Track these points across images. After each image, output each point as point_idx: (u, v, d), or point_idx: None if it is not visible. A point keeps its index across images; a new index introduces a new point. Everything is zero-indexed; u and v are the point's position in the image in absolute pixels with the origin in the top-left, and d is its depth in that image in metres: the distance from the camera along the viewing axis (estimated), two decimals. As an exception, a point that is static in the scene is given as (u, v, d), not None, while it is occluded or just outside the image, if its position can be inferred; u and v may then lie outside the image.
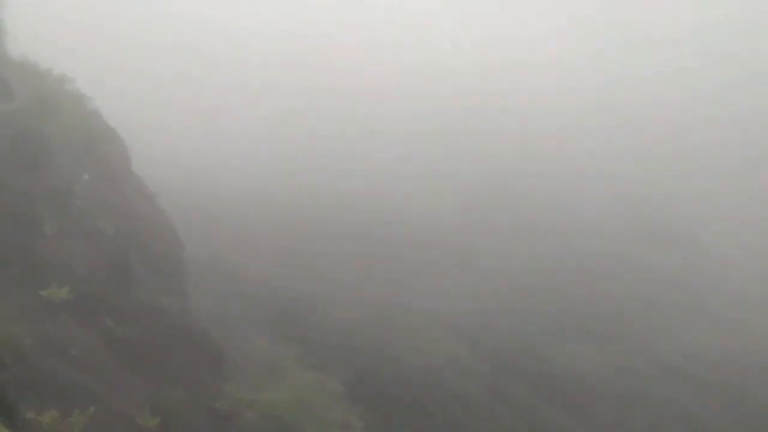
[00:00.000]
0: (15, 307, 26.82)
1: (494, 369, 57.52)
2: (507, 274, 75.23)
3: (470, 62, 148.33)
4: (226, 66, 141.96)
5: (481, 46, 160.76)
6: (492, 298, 69.73)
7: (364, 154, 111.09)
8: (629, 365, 61.86)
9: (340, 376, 47.74)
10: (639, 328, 68.04)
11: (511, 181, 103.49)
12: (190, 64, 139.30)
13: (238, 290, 63.17)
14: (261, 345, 52.33)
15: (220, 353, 42.83)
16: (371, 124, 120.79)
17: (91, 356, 28.91)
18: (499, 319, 65.84)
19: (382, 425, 47.34)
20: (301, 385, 43.87)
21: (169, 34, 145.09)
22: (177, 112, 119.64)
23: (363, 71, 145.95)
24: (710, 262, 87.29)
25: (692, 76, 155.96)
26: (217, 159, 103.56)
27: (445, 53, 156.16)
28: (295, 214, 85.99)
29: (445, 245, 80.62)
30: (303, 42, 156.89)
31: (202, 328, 43.52)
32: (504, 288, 72.27)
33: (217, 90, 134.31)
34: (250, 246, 74.62)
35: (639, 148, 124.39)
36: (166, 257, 46.40)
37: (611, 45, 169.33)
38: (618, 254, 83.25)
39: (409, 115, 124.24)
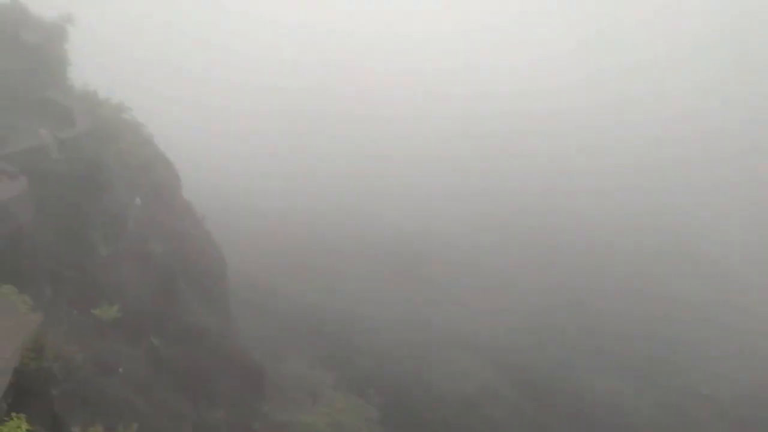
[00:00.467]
0: (68, 323, 28.21)
1: (528, 399, 57.05)
2: (541, 298, 74.69)
3: (489, 88, 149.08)
4: (259, 93, 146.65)
5: (495, 72, 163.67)
6: (527, 325, 69.28)
7: (389, 175, 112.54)
8: (669, 402, 60.25)
9: (376, 400, 48.29)
10: (677, 364, 66.30)
11: (532, 202, 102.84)
12: (229, 93, 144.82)
13: (278, 310, 64.49)
14: (299, 366, 53.23)
15: (260, 374, 43.73)
16: (396, 147, 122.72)
17: (137, 374, 30.06)
18: (533, 348, 65.37)
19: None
20: (337, 409, 44.49)
21: (215, 68, 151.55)
22: (218, 138, 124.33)
23: (389, 96, 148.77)
24: (743, 297, 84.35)
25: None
26: (251, 181, 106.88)
27: (461, 80, 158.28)
28: (328, 234, 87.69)
29: (474, 266, 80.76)
30: (333, 70, 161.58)
31: (243, 349, 44.60)
32: (538, 313, 71.87)
33: (249, 116, 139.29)
34: (288, 266, 76.10)
35: (665, 167, 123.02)
36: (211, 279, 47.75)
37: (613, 68, 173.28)
38: (653, 289, 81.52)
39: (430, 139, 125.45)
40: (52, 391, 17.50)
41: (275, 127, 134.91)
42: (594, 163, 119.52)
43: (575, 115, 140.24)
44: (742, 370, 65.89)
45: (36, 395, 16.24)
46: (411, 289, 74.38)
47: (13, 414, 13.66)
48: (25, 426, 13.56)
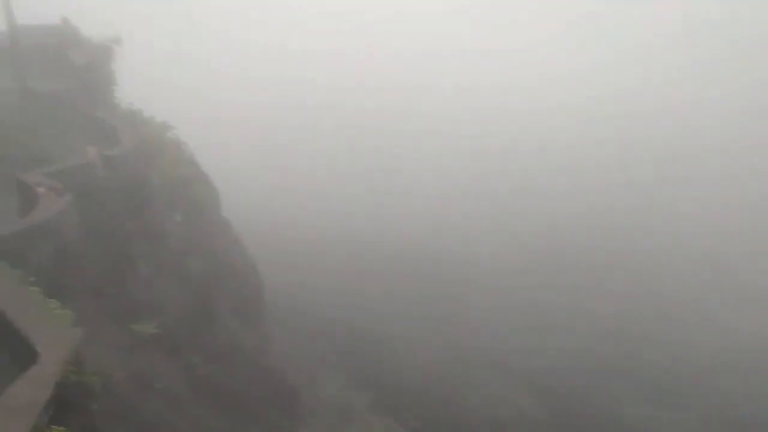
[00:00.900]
0: (108, 339, 28.55)
1: (565, 427, 55.72)
2: (578, 330, 72.93)
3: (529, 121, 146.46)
4: (297, 112, 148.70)
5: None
6: (563, 352, 67.80)
7: (430, 196, 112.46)
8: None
9: (410, 424, 47.64)
10: (720, 394, 63.92)
11: (573, 237, 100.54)
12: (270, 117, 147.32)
13: (312, 330, 64.63)
14: (333, 388, 53.09)
15: (294, 394, 43.70)
16: (437, 171, 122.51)
17: (174, 390, 30.22)
18: (567, 371, 63.87)
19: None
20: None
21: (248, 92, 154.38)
22: (255, 157, 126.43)
23: (431, 116, 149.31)
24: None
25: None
26: (289, 200, 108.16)
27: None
28: (365, 254, 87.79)
29: (514, 293, 79.42)
30: (358, 92, 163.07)
31: (278, 368, 44.64)
32: (574, 342, 70.24)
33: (286, 133, 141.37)
34: (324, 286, 76.39)
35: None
36: (248, 297, 48.12)
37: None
38: (695, 317, 79.15)
39: (475, 172, 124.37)
40: (91, 406, 17.58)
41: (324, 145, 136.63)
42: (639, 200, 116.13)
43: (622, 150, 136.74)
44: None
45: (76, 409, 16.32)
46: (456, 313, 73.65)
47: (54, 427, 13.75)
48: (65, 439, 13.62)
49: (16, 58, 43.24)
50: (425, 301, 75.29)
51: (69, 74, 48.45)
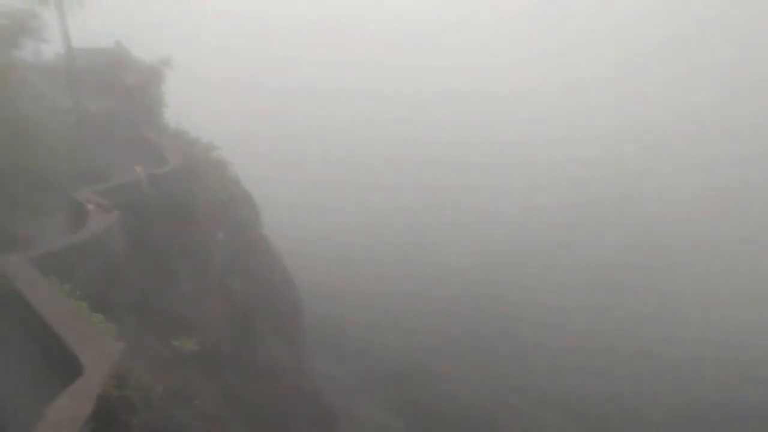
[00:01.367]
0: (149, 354, 29.00)
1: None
2: (629, 363, 70.78)
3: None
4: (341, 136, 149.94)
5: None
6: (609, 383, 66.00)
7: (478, 225, 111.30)
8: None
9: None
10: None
11: (625, 275, 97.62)
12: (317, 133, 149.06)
13: (352, 352, 64.47)
14: (372, 410, 52.72)
15: (332, 415, 43.54)
16: (483, 204, 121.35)
17: (212, 408, 30.42)
18: (619, 411, 61.98)
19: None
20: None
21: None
22: (296, 174, 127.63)
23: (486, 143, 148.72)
24: None
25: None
26: (329, 219, 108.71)
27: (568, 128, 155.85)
28: (408, 281, 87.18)
29: (563, 327, 77.35)
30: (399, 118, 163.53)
31: (317, 390, 44.57)
32: (623, 373, 68.28)
33: (329, 149, 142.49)
34: (364, 308, 76.23)
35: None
36: (288, 316, 48.36)
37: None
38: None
39: (521, 204, 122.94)
40: (132, 420, 17.84)
41: (368, 161, 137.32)
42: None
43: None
44: None
45: (117, 423, 16.59)
46: (499, 344, 72.33)
47: (95, 440, 14.02)
48: (105, 453, 13.88)
49: (72, 80, 44.91)
50: (466, 332, 74.24)
51: (121, 95, 50.09)
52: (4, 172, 31.03)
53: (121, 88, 50.66)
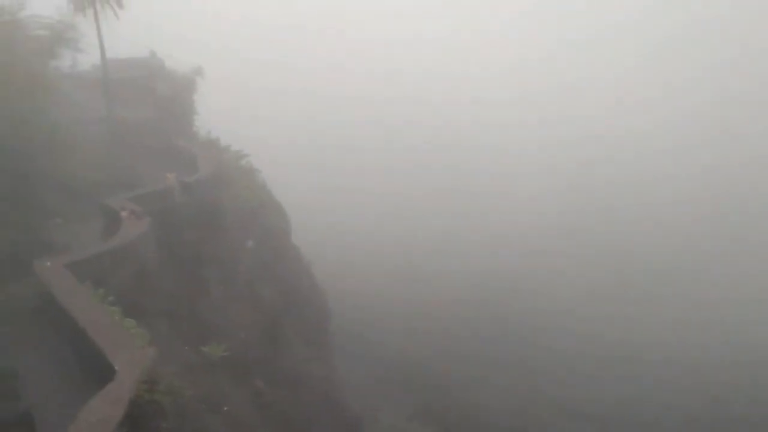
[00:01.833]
0: (180, 359, 29.29)
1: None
2: (659, 373, 69.28)
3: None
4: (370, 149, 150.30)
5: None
6: (641, 397, 64.73)
7: (499, 233, 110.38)
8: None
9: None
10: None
11: (646, 281, 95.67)
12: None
13: (379, 360, 64.28)
14: (397, 419, 52.54)
15: (358, 423, 43.50)
16: (516, 211, 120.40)
17: (240, 414, 30.59)
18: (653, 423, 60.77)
19: None
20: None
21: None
22: (323, 183, 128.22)
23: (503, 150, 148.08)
24: None
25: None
26: (357, 226, 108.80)
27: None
28: (434, 288, 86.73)
29: (591, 337, 75.98)
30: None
31: (343, 397, 44.60)
32: (660, 385, 66.90)
33: (357, 155, 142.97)
34: (392, 318, 75.97)
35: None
36: (316, 325, 48.52)
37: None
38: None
39: (541, 218, 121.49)
40: (162, 425, 18.02)
41: (398, 169, 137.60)
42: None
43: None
44: None
45: (147, 427, 16.76)
46: (524, 354, 71.39)
47: (126, 444, 14.20)
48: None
49: (106, 89, 45.88)
50: (490, 341, 73.49)
51: (154, 104, 51.00)
52: (38, 180, 31.75)
53: (154, 98, 51.59)
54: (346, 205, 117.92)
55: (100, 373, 17.35)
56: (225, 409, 28.62)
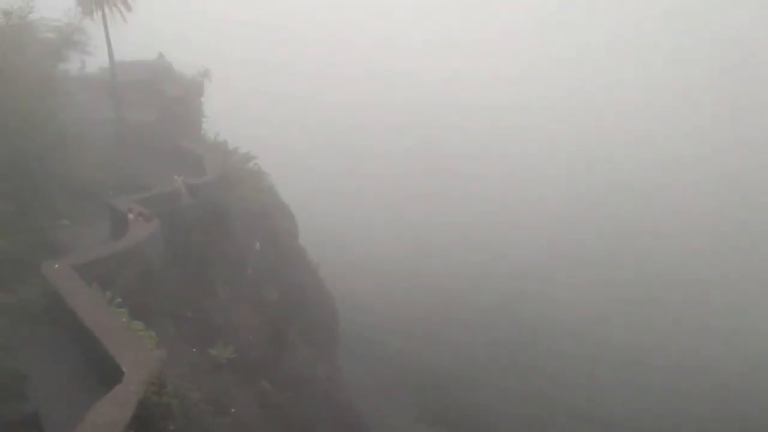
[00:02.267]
0: (187, 361, 29.31)
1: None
2: (666, 377, 68.72)
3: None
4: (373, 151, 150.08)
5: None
6: (643, 397, 64.39)
7: (507, 235, 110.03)
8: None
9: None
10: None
11: (660, 288, 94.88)
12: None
13: (386, 363, 64.16)
14: (403, 422, 52.42)
15: (363, 425, 43.40)
16: (521, 217, 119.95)
17: (247, 415, 30.57)
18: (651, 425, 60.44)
19: None
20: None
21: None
22: (331, 186, 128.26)
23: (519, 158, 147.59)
24: None
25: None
26: (365, 233, 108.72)
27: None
28: (438, 291, 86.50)
29: (597, 341, 75.53)
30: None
31: (349, 400, 44.52)
32: (658, 389, 66.54)
33: (364, 157, 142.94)
34: (399, 319, 75.89)
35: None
36: (322, 326, 48.45)
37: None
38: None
39: (551, 220, 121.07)
40: (169, 427, 17.99)
41: (405, 171, 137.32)
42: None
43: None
44: None
45: (155, 429, 16.74)
46: (532, 358, 71.16)
47: (134, 445, 14.18)
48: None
49: (114, 92, 46.04)
50: (498, 344, 73.24)
51: (162, 106, 51.12)
52: (46, 181, 31.85)
53: (161, 100, 51.72)
54: (351, 208, 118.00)
55: (107, 374, 17.35)
56: (232, 410, 28.61)
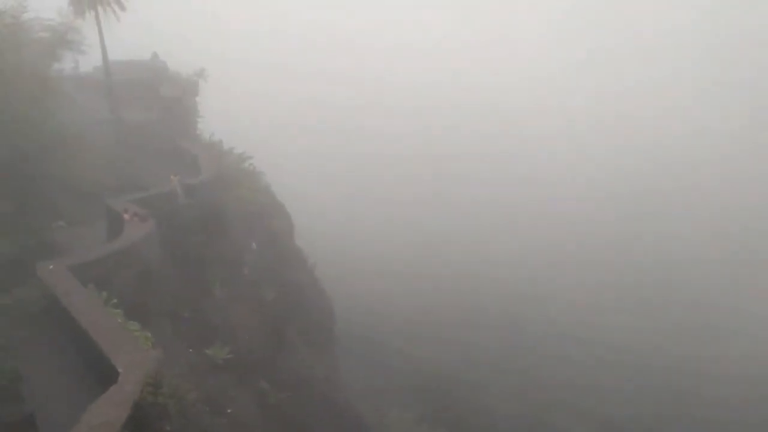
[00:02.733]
0: (183, 361, 29.22)
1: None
2: (668, 380, 68.68)
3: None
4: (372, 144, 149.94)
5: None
6: (646, 401, 64.42)
7: (507, 239, 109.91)
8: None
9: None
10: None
11: (665, 292, 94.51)
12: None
13: (386, 363, 64.06)
14: (403, 422, 52.31)
15: (362, 425, 43.32)
16: (516, 218, 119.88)
17: (244, 416, 30.50)
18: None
19: None
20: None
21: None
22: (329, 185, 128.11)
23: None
24: None
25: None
26: (359, 229, 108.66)
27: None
28: (439, 292, 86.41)
29: (599, 343, 75.25)
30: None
31: (347, 400, 44.43)
32: (661, 391, 66.55)
33: (360, 160, 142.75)
34: (397, 319, 75.79)
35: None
36: (319, 326, 48.33)
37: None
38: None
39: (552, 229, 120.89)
40: (166, 427, 17.92)
41: (405, 173, 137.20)
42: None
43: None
44: None
45: (151, 430, 16.67)
46: (529, 359, 71.12)
47: (130, 446, 14.12)
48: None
49: (109, 91, 45.87)
50: (498, 342, 73.08)
51: (157, 106, 50.95)
52: (42, 181, 31.73)
53: (157, 100, 51.55)
54: (352, 210, 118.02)
55: (104, 375, 17.28)
56: (229, 411, 28.54)
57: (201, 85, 56.81)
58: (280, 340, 39.07)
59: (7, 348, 20.20)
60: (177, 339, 30.93)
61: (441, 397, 59.15)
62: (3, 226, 26.74)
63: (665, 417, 60.64)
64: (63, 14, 41.10)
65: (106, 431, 13.65)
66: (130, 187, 37.48)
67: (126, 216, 30.82)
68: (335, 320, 52.64)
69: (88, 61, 49.16)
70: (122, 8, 44.20)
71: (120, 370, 16.69)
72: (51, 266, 24.80)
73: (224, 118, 77.32)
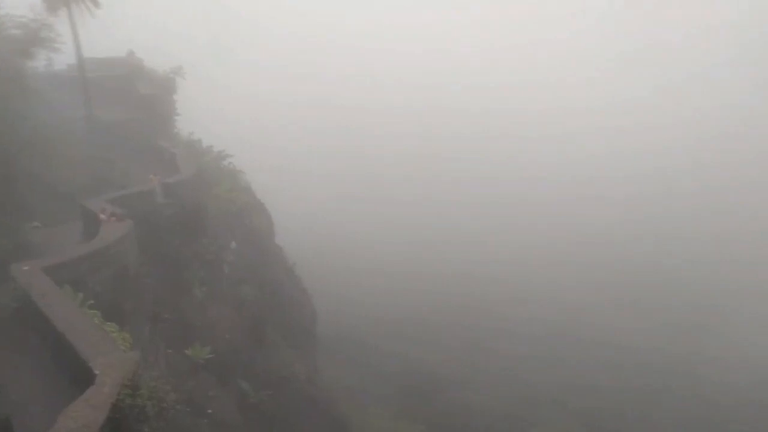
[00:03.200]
0: (163, 362, 28.92)
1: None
2: (661, 379, 69.19)
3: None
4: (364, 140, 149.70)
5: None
6: (626, 385, 65.10)
7: (507, 239, 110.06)
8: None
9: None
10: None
11: (661, 291, 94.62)
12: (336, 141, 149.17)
13: (365, 361, 64.13)
14: (384, 419, 52.35)
15: (344, 424, 43.24)
16: (506, 217, 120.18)
17: (225, 416, 30.31)
18: (633, 413, 61.11)
19: None
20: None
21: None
22: (313, 183, 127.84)
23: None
24: None
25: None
26: (347, 229, 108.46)
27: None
28: (422, 291, 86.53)
29: (587, 342, 75.77)
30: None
31: (329, 398, 44.33)
32: (639, 374, 67.20)
33: (338, 159, 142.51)
34: (378, 318, 75.84)
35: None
36: (300, 326, 48.18)
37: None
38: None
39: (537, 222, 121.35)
40: (144, 429, 17.69)
41: (382, 173, 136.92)
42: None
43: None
44: None
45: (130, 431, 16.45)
46: (506, 345, 71.54)
47: (108, 449, 13.88)
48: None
49: (84, 89, 45.10)
50: (480, 340, 73.47)
51: (134, 104, 50.27)
52: (16, 181, 31.11)
53: (133, 97, 50.86)
54: (351, 209, 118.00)
55: (80, 377, 16.98)
56: (209, 411, 28.31)
57: (179, 82, 56.17)
58: (261, 339, 38.86)
59: (-20, 352, 19.79)
60: (156, 340, 30.59)
61: (422, 395, 59.40)
62: (-24, 227, 26.22)
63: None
64: (36, 11, 40.27)
65: (83, 434, 13.41)
66: (106, 186, 36.94)
67: (103, 216, 30.35)
68: (316, 319, 52.51)
69: (63, 59, 48.32)
70: (96, 5, 43.48)
71: (97, 372, 16.40)
72: (26, 267, 24.31)
73: (207, 117, 76.80)
